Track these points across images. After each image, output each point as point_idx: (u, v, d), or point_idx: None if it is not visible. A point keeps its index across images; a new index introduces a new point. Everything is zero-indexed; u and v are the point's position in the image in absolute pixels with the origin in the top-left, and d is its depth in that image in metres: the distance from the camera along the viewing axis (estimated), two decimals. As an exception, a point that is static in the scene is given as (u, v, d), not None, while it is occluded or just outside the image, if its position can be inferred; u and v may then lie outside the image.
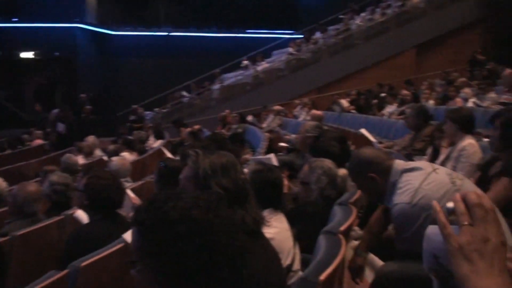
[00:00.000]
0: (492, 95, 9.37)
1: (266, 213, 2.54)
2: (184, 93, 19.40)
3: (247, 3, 23.64)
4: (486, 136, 4.85)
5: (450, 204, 0.93)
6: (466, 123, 4.44)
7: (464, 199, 0.91)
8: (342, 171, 3.21)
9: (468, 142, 4.30)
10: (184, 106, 18.76)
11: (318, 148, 3.92)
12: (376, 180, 2.64)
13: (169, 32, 23.32)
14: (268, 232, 2.37)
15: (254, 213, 1.82)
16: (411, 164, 2.77)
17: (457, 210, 0.91)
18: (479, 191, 0.95)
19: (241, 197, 1.85)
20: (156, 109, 18.69)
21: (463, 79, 11.72)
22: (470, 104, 9.14)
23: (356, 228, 3.09)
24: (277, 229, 2.44)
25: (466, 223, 0.88)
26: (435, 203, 0.94)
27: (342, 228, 2.26)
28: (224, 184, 1.88)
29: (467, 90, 10.42)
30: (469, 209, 0.90)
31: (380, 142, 7.66)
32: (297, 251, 2.50)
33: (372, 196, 2.86)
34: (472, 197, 0.90)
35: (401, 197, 2.51)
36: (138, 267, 1.12)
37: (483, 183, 3.20)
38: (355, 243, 2.89)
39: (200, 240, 1.08)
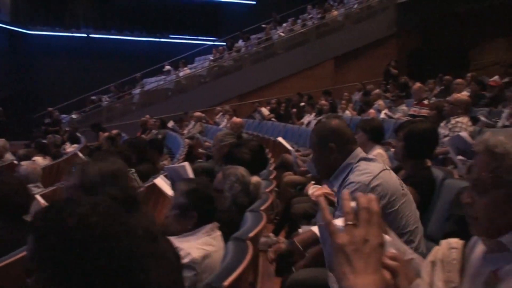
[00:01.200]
0: (403, 107, 9.82)
1: (208, 229, 2.57)
2: (104, 97, 18.96)
3: (171, 8, 23.49)
4: (394, 147, 5.08)
5: (353, 204, 0.98)
6: (376, 133, 4.62)
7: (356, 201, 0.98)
8: (255, 179, 3.28)
9: (377, 152, 4.47)
10: (103, 110, 18.32)
11: (230, 156, 3.97)
12: (334, 153, 2.63)
13: (88, 34, 22.71)
14: (206, 249, 2.39)
15: (145, 221, 1.82)
16: (369, 155, 2.78)
17: (344, 209, 0.97)
18: (372, 195, 1.01)
19: (130, 205, 1.84)
20: (74, 113, 18.12)
21: (377, 91, 12.22)
22: (382, 115, 9.54)
23: (271, 234, 3.15)
24: (215, 248, 2.44)
25: (350, 223, 0.94)
26: (321, 200, 1.00)
27: (251, 234, 2.31)
28: (113, 192, 1.86)
29: (380, 102, 10.88)
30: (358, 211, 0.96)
31: (298, 150, 7.84)
32: None
33: (322, 171, 2.78)
34: (362, 200, 0.97)
35: (360, 178, 2.52)
36: (35, 275, 1.10)
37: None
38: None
39: (98, 247, 1.07)
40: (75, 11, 23.08)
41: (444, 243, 1.72)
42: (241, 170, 3.20)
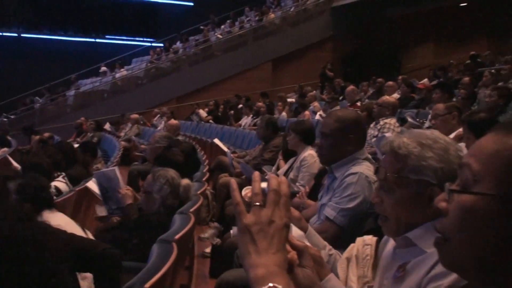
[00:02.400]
0: (337, 108, 10.05)
1: (45, 213, 2.66)
2: (36, 99, 18.36)
3: (107, 8, 23.04)
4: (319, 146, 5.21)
5: (263, 185, 1.00)
6: (307, 135, 4.73)
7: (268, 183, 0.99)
8: (185, 181, 3.28)
9: (309, 153, 4.58)
10: (36, 112, 17.73)
11: (162, 158, 3.96)
12: (350, 144, 2.70)
13: (20, 33, 21.92)
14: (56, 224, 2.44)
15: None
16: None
17: (253, 190, 0.99)
18: (283, 178, 1.04)
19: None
20: (4, 115, 17.44)
21: (313, 93, 12.45)
22: (317, 117, 9.73)
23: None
24: (62, 222, 2.55)
25: (257, 203, 0.97)
26: (232, 181, 1.03)
27: (177, 236, 2.32)
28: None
29: (316, 104, 11.10)
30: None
31: (234, 152, 7.89)
32: None
33: (329, 157, 2.81)
34: (273, 182, 0.99)
35: (361, 168, 2.62)
36: None
37: (316, 191, 3.44)
38: None
39: (8, 253, 1.06)
40: (6, 9, 22.20)
41: (359, 240, 1.80)
42: (171, 172, 3.20)
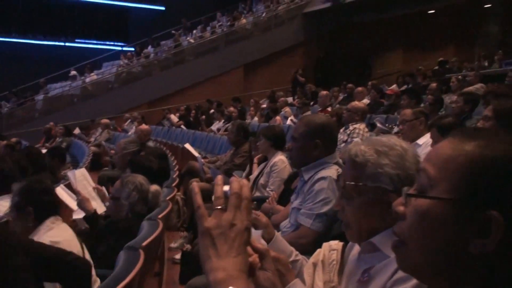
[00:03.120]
0: (309, 113, 10.12)
1: (48, 223, 2.61)
2: (4, 103, 18.00)
3: (77, 11, 22.76)
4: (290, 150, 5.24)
5: (225, 188, 0.99)
6: (278, 140, 4.75)
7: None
8: (154, 187, 3.26)
9: (279, 158, 4.59)
10: (3, 117, 17.37)
11: (137, 163, 3.93)
12: (317, 149, 2.70)
13: (-14, 36, 21.52)
14: (52, 240, 2.40)
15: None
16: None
17: (215, 194, 0.98)
18: (245, 181, 1.04)
19: None
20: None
21: (284, 98, 12.50)
22: (289, 122, 9.79)
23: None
24: (61, 238, 2.50)
25: (219, 207, 0.97)
26: (194, 184, 1.02)
27: (145, 243, 2.30)
28: None
29: (287, 109, 11.15)
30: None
31: (205, 157, 7.87)
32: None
33: (298, 161, 2.86)
34: (234, 185, 0.98)
35: (333, 173, 2.61)
36: None
37: (286, 196, 3.46)
38: None
39: None
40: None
41: (325, 245, 1.81)
42: (140, 178, 3.17)
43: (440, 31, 19.41)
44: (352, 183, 1.49)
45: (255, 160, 5.10)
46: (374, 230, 1.46)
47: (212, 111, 13.71)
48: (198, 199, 0.99)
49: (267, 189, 4.39)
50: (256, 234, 1.62)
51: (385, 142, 1.53)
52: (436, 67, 14.13)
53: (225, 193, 0.98)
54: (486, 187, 0.78)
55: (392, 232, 0.92)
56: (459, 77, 9.78)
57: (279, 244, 1.78)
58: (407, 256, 0.88)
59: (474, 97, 5.75)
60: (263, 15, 20.38)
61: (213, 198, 0.99)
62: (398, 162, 1.48)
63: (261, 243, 1.59)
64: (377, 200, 1.44)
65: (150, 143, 7.59)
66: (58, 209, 2.76)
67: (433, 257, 0.83)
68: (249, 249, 0.99)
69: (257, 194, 4.46)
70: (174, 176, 4.77)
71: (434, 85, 8.47)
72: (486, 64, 14.48)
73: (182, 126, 12.92)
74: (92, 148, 10.73)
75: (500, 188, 0.78)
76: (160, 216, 2.85)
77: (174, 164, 5.97)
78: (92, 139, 13.02)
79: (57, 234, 2.52)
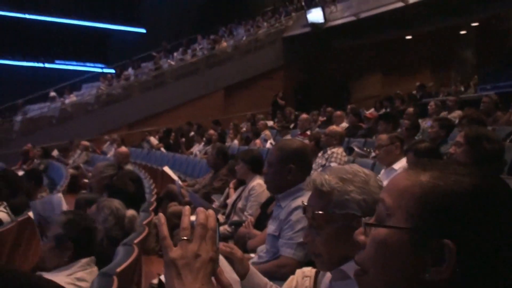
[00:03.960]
0: (288, 137, 10.18)
1: (83, 263, 2.53)
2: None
3: (57, 33, 22.71)
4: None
5: (192, 218, 1.01)
6: (256, 164, 4.76)
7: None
8: (131, 212, 3.24)
9: (257, 182, 4.60)
10: (-20, 138, 17.15)
11: (114, 187, 3.91)
12: (291, 174, 2.68)
13: (-36, 57, 21.34)
14: (78, 285, 2.35)
15: None
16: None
17: (182, 225, 1.00)
18: (211, 211, 1.06)
19: None
20: None
21: (264, 121, 12.56)
22: (268, 145, 9.81)
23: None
24: (89, 284, 2.38)
25: (185, 238, 0.98)
26: (160, 216, 1.04)
27: (119, 269, 2.29)
28: None
29: (267, 132, 11.19)
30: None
31: (184, 180, 7.85)
32: None
33: (274, 187, 2.85)
34: (200, 216, 1.01)
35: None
36: None
37: (263, 220, 3.46)
38: None
39: None
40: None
41: (299, 272, 1.83)
42: (116, 203, 3.16)
43: (417, 57, 19.81)
44: (321, 212, 1.51)
45: (231, 185, 5.11)
46: (345, 257, 1.47)
47: (192, 133, 13.70)
48: (164, 230, 1.00)
49: (245, 213, 4.39)
50: (228, 267, 1.63)
51: (348, 169, 1.57)
52: (414, 92, 14.36)
53: (192, 223, 1.00)
54: (439, 217, 0.82)
55: (354, 261, 0.94)
56: (438, 102, 9.93)
57: (254, 277, 1.79)
58: (368, 284, 0.90)
59: (449, 123, 5.86)
60: (244, 38, 20.56)
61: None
62: (363, 188, 1.51)
63: (232, 277, 1.60)
64: (347, 226, 1.47)
65: (129, 166, 7.55)
66: (95, 250, 2.67)
67: (392, 285, 0.86)
68: (213, 280, 1.00)
69: (235, 218, 4.46)
70: (152, 199, 4.75)
71: (410, 110, 8.59)
72: (462, 89, 14.79)
73: (162, 149, 12.87)
74: (70, 170, 10.63)
75: (452, 217, 0.81)
76: (136, 241, 2.84)
77: (152, 187, 5.94)
78: (71, 161, 12.88)
79: (86, 278, 2.43)
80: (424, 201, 0.83)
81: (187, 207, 1.05)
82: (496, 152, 2.92)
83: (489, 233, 0.80)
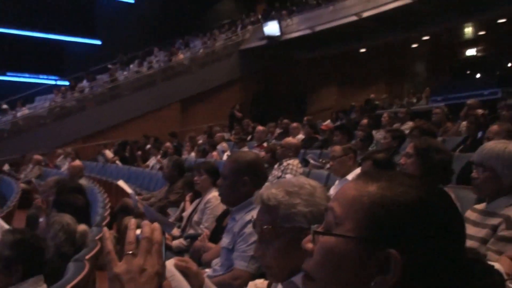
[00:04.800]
0: (245, 149, 10.19)
1: (31, 282, 2.47)
2: None
3: (8, 44, 22.15)
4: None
5: (138, 232, 1.00)
6: (216, 176, 4.72)
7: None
8: (82, 227, 3.18)
9: (213, 194, 4.57)
10: None
11: (62, 202, 3.81)
12: (245, 186, 2.66)
13: None
14: None
15: None
16: None
17: (127, 239, 0.99)
18: (156, 225, 1.04)
19: None
20: None
21: (221, 133, 12.55)
22: (225, 157, 9.80)
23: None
24: None
25: (130, 252, 0.97)
26: (105, 230, 1.02)
27: (69, 286, 2.23)
28: None
29: (224, 144, 11.18)
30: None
31: (140, 194, 7.74)
32: None
33: (228, 199, 2.84)
34: (145, 230, 1.00)
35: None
36: None
37: (218, 233, 3.45)
38: None
39: None
40: None
41: (251, 284, 1.84)
42: (66, 218, 3.09)
43: (371, 69, 20.24)
44: (269, 227, 1.52)
45: (187, 198, 5.07)
46: (295, 269, 1.48)
47: (148, 146, 13.55)
48: (108, 244, 0.99)
49: (201, 226, 4.36)
50: (183, 281, 1.62)
51: (294, 182, 1.59)
52: (364, 104, 14.67)
53: (137, 237, 0.99)
54: (386, 227, 0.84)
55: (302, 268, 0.95)
56: (392, 114, 10.15)
57: None
58: None
59: (401, 134, 6.00)
60: (200, 51, 20.56)
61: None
62: (309, 200, 1.53)
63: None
64: (295, 239, 1.48)
65: (83, 180, 7.41)
66: (44, 269, 2.59)
67: None
68: None
69: (191, 231, 4.42)
70: (106, 214, 4.66)
71: (365, 121, 8.74)
72: (415, 100, 15.17)
73: (117, 162, 12.68)
74: (22, 185, 10.34)
75: (398, 228, 0.83)
76: (87, 256, 2.78)
77: (106, 201, 5.83)
78: (22, 176, 12.54)
79: None
80: (371, 211, 0.85)
81: (133, 221, 1.04)
82: (444, 163, 3.00)
83: (433, 243, 0.83)
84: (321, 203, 1.51)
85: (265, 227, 1.53)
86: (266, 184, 4.52)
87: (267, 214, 1.55)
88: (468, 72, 18.60)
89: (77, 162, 8.32)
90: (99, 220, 3.98)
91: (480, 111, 6.26)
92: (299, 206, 1.52)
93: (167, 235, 4.30)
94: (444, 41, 19.13)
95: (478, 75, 16.72)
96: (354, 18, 15.95)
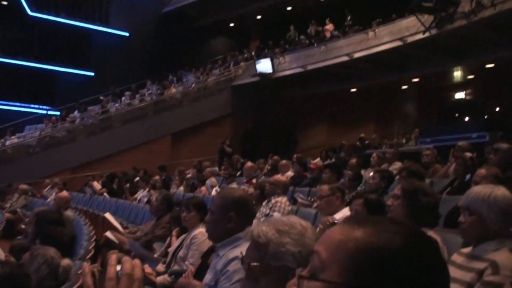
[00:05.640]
0: (234, 185, 10.17)
1: None
2: None
3: (1, 73, 22.14)
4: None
5: (118, 268, 0.99)
6: (204, 211, 4.69)
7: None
8: (66, 261, 3.14)
9: (199, 230, 4.53)
10: None
11: (47, 234, 3.78)
12: (231, 222, 2.63)
13: None
14: None
15: None
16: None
17: (107, 275, 0.98)
18: (137, 261, 1.03)
19: None
20: None
21: (210, 168, 12.53)
22: (214, 192, 9.76)
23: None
24: None
25: None
26: (84, 265, 1.01)
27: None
28: None
29: (213, 179, 11.15)
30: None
31: (126, 227, 7.67)
32: None
33: (214, 235, 2.80)
34: (126, 266, 0.99)
35: (238, 252, 2.50)
36: None
37: (203, 270, 3.41)
38: None
39: None
40: None
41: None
42: (51, 251, 3.05)
43: (362, 109, 20.44)
44: (257, 264, 1.51)
45: (174, 233, 5.03)
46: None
47: (137, 179, 13.48)
48: (87, 279, 0.98)
49: (186, 262, 4.31)
50: None
51: (285, 221, 1.59)
52: (357, 143, 14.74)
53: (117, 273, 0.99)
54: (371, 274, 0.83)
55: None
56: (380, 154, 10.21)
57: None
58: None
59: (389, 174, 6.03)
60: (193, 85, 20.70)
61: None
62: (299, 240, 1.53)
63: None
64: (282, 279, 1.47)
65: (69, 211, 7.34)
66: None
67: None
68: None
69: (176, 267, 4.37)
70: (90, 247, 4.60)
71: (353, 161, 8.78)
72: (404, 141, 15.29)
73: (105, 194, 12.59)
74: (6, 214, 10.23)
75: (383, 275, 0.83)
76: (69, 291, 2.74)
77: (92, 234, 5.76)
78: (8, 205, 12.39)
79: None
80: (357, 257, 0.85)
81: (114, 256, 1.03)
82: (431, 205, 3.01)
83: None
84: (311, 244, 1.51)
85: (253, 264, 1.52)
86: (255, 221, 4.52)
87: (256, 251, 1.54)
88: (457, 115, 18.82)
89: (64, 193, 8.26)
90: (83, 254, 3.92)
91: (468, 154, 6.31)
92: (289, 245, 1.52)
93: (151, 271, 4.25)
94: (433, 83, 19.42)
95: (466, 118, 16.92)
96: (345, 58, 16.20)
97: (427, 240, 0.89)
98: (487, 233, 2.46)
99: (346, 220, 0.96)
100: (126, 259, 1.01)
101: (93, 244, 4.92)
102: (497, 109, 17.86)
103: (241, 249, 2.67)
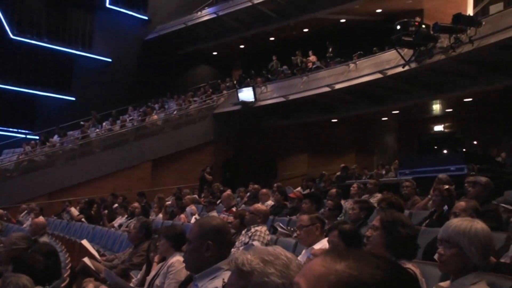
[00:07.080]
0: (214, 213, 10.11)
1: None
2: None
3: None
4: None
5: None
6: (178, 240, 4.65)
7: None
8: (39, 289, 3.08)
9: (176, 259, 4.48)
10: None
11: (20, 261, 3.69)
12: (209, 251, 2.58)
13: None
14: None
15: None
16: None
17: None
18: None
19: None
20: None
21: (190, 196, 12.45)
22: (193, 220, 9.69)
23: None
24: None
25: None
26: None
27: None
28: None
29: (193, 207, 11.08)
30: None
31: (103, 255, 7.55)
32: None
33: (191, 265, 2.73)
34: None
35: (215, 284, 2.46)
36: None
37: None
38: None
39: None
40: None
41: None
42: (23, 279, 2.98)
43: (342, 139, 20.60)
44: None
45: (156, 259, 4.95)
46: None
47: (115, 205, 13.32)
48: None
49: (163, 291, 4.25)
50: None
51: (271, 251, 1.58)
52: (339, 173, 14.79)
53: None
54: None
55: None
56: (361, 185, 10.25)
57: None
58: None
59: (369, 205, 6.05)
60: (175, 112, 20.70)
61: None
62: (284, 272, 1.52)
63: None
64: None
65: (45, 238, 7.21)
66: None
67: None
68: None
69: (153, 296, 4.30)
70: (66, 275, 4.51)
71: (333, 191, 8.81)
72: (384, 172, 15.38)
73: (83, 220, 12.40)
74: (-20, 240, 9.97)
75: None
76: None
77: (67, 261, 5.66)
78: (-19, 231, 12.13)
79: None
80: None
81: (91, 285, 1.02)
82: (410, 237, 3.02)
83: None
84: (295, 276, 1.50)
85: None
86: (234, 249, 4.50)
87: (240, 279, 1.53)
88: (436, 147, 19.05)
89: (40, 219, 8.11)
90: (57, 282, 3.84)
91: (445, 186, 6.37)
92: (273, 276, 1.50)
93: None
94: (413, 115, 19.68)
95: (445, 151, 17.13)
96: (326, 89, 16.38)
97: (407, 274, 0.90)
98: (467, 266, 2.47)
99: (327, 252, 0.96)
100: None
101: (68, 272, 4.82)
102: (475, 142, 18.14)
103: (221, 280, 2.64)
